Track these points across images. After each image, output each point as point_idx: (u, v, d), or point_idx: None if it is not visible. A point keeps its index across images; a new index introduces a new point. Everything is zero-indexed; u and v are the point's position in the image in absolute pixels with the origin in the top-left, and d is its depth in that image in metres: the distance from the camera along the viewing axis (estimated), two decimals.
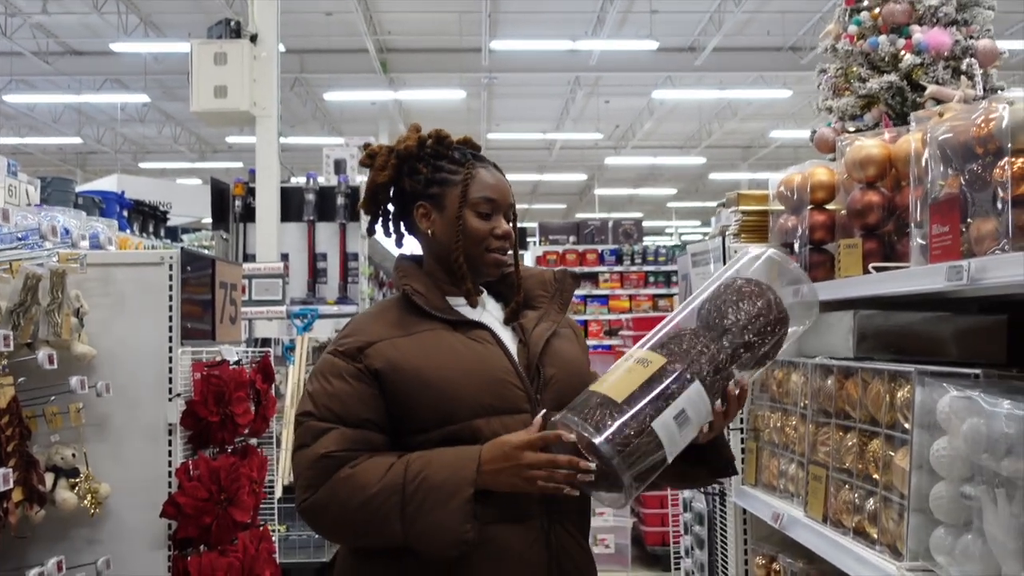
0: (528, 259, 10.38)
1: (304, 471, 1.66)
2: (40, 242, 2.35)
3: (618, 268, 10.01)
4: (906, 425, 1.71)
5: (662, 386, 1.58)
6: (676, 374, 1.60)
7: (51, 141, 19.62)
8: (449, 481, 1.58)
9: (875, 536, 1.80)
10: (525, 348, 1.78)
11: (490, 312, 1.84)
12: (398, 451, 1.68)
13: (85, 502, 2.41)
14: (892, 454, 1.76)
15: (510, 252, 1.84)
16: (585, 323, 9.79)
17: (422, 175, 1.80)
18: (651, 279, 10.00)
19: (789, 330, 1.76)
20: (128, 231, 6.62)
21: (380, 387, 1.69)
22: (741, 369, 1.71)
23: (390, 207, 1.89)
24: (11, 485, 1.99)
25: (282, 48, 8.33)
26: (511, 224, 1.84)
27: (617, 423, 1.53)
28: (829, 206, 2.36)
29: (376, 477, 1.61)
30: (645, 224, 11.92)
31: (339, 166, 8.51)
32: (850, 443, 1.95)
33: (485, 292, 1.87)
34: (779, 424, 2.39)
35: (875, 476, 1.83)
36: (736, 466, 1.90)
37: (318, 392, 1.71)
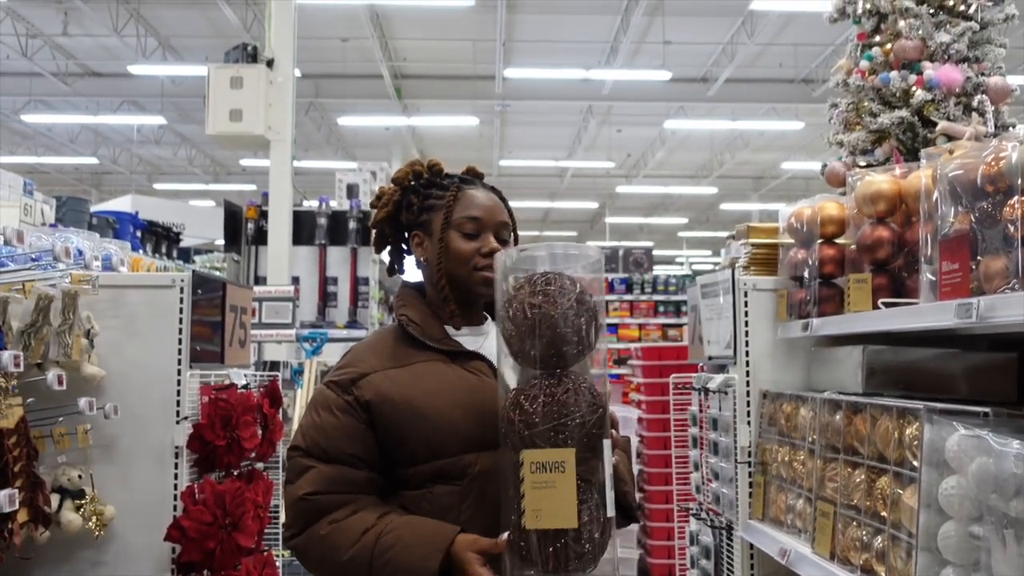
0: None
1: (288, 509, 1.70)
2: (53, 263, 2.37)
3: (628, 297, 10.01)
4: (914, 463, 1.70)
5: (592, 477, 1.52)
6: (590, 455, 1.53)
7: (67, 161, 19.81)
8: (413, 566, 1.57)
9: (883, 575, 1.79)
10: None
11: (493, 340, 1.80)
12: (391, 483, 1.70)
13: (90, 524, 2.40)
14: (900, 492, 1.74)
15: None
16: None
17: (415, 205, 1.83)
18: (661, 308, 9.99)
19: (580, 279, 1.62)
20: (141, 251, 6.67)
21: (371, 419, 1.69)
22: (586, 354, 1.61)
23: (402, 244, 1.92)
24: (16, 506, 1.99)
25: (298, 73, 8.42)
26: (510, 243, 1.83)
27: (590, 547, 1.50)
28: (839, 240, 2.36)
29: (349, 541, 1.61)
30: (655, 253, 11.93)
31: (351, 191, 8.56)
32: (858, 479, 1.93)
33: (490, 319, 1.86)
34: (787, 458, 2.37)
35: (883, 513, 1.81)
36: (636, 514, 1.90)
37: (306, 425, 1.73)
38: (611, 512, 1.53)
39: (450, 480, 1.67)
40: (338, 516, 1.64)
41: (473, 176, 1.88)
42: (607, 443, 1.55)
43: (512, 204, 1.89)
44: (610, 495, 1.54)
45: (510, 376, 1.62)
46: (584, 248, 1.65)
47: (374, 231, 1.91)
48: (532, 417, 1.51)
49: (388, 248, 1.93)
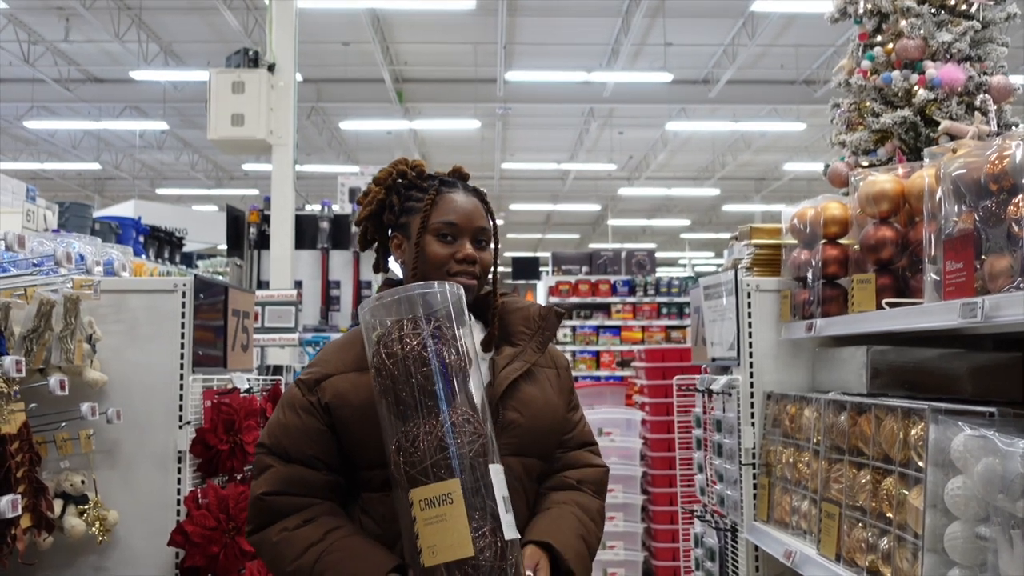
0: (540, 289, 10.39)
1: (248, 505, 1.73)
2: (55, 268, 2.36)
3: (631, 299, 9.99)
4: (920, 463, 1.69)
5: (483, 504, 1.52)
6: (478, 483, 1.53)
7: (70, 167, 19.84)
8: None
9: None
10: (491, 388, 1.73)
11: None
12: (353, 484, 1.72)
13: (93, 529, 2.40)
14: (906, 492, 1.74)
15: (481, 278, 1.79)
16: (597, 354, 9.76)
17: (396, 206, 1.83)
18: (664, 310, 9.97)
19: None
20: (144, 256, 6.68)
21: (331, 421, 1.70)
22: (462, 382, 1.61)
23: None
24: (20, 511, 1.98)
25: (299, 77, 8.42)
26: (489, 248, 1.82)
27: (492, 571, 1.50)
28: (842, 240, 2.35)
29: (293, 554, 1.63)
30: (658, 255, 11.94)
31: (354, 194, 8.56)
32: (863, 480, 1.92)
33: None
34: (791, 460, 2.37)
35: (889, 514, 1.81)
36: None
37: (272, 423, 1.75)
38: (510, 535, 1.52)
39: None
40: (289, 524, 1.66)
41: (458, 177, 1.87)
42: (495, 468, 1.55)
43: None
44: (507, 518, 1.53)
45: (391, 423, 1.59)
46: (441, 284, 1.65)
47: (358, 229, 1.91)
48: (413, 456, 1.52)
49: (374, 246, 1.93)
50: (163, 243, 7.36)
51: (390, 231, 1.86)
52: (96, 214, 7.27)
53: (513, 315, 1.84)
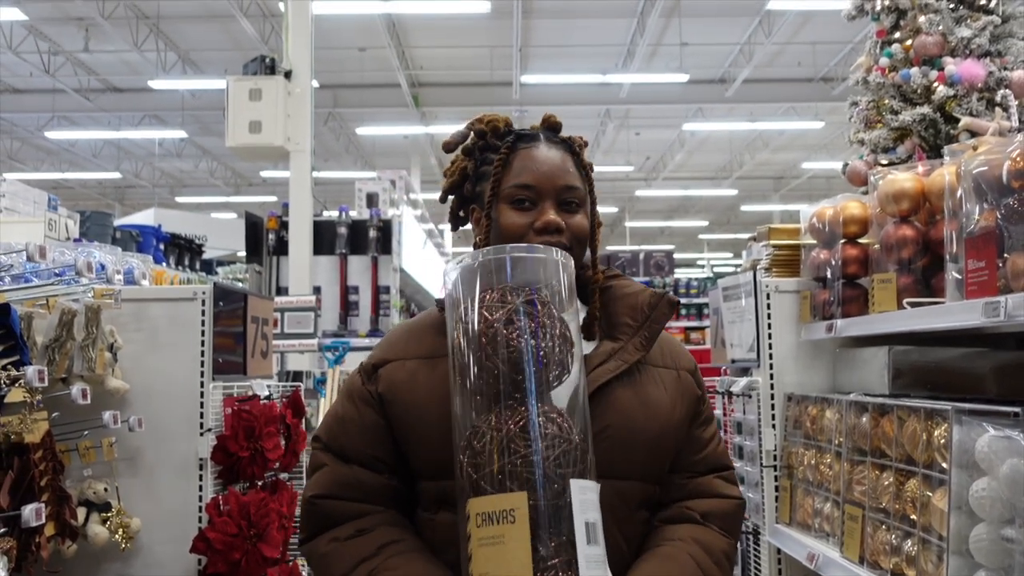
0: None
1: (300, 508, 1.52)
2: (76, 278, 2.38)
3: None
4: (944, 465, 1.67)
5: (558, 529, 1.22)
6: (554, 501, 1.23)
7: (91, 176, 20.04)
8: None
9: None
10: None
11: None
12: (405, 497, 1.48)
13: (116, 536, 2.41)
14: (930, 494, 1.72)
15: (572, 248, 1.47)
16: None
17: (471, 174, 1.56)
18: (683, 311, 9.94)
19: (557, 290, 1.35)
20: (164, 264, 6.73)
21: (386, 415, 1.46)
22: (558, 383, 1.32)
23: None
24: (44, 520, 2.00)
25: (316, 84, 8.47)
26: (583, 211, 1.49)
27: None
28: (862, 240, 2.33)
29: (342, 569, 1.40)
30: (677, 256, 11.88)
31: (371, 199, 8.60)
32: (886, 482, 1.90)
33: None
34: (813, 462, 2.35)
35: (913, 517, 1.79)
36: None
37: (330, 414, 1.54)
38: (588, 573, 1.20)
39: (454, 507, 1.35)
40: (341, 533, 1.42)
41: (546, 129, 1.56)
42: (579, 484, 1.24)
43: (595, 195, 1.53)
44: (588, 551, 1.21)
45: (463, 414, 1.31)
46: (548, 251, 1.36)
47: (448, 206, 1.64)
48: (479, 458, 1.24)
49: (467, 225, 1.64)
50: (183, 250, 7.42)
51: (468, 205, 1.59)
52: (117, 223, 7.34)
53: (620, 301, 1.52)
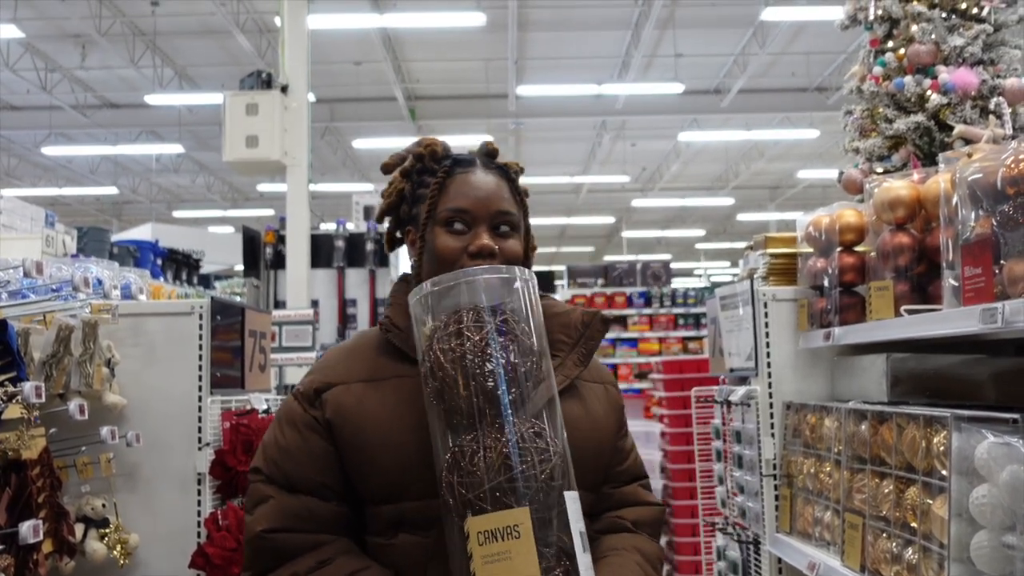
0: None
1: (245, 543, 1.45)
2: (73, 293, 2.38)
3: (647, 311, 9.98)
4: (943, 472, 1.67)
5: (555, 539, 1.26)
6: (550, 513, 1.26)
7: (88, 192, 20.04)
8: None
9: None
10: None
11: None
12: (361, 522, 1.46)
13: (115, 552, 2.41)
14: (930, 502, 1.72)
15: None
16: (615, 366, 9.74)
17: (408, 197, 1.57)
18: (681, 321, 9.95)
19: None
20: (162, 279, 6.73)
21: (334, 440, 1.43)
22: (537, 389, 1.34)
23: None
24: (41, 536, 1.99)
25: (312, 98, 8.48)
26: (515, 235, 1.52)
27: None
28: (858, 248, 2.34)
29: None
30: (673, 266, 11.90)
31: (368, 212, 8.61)
32: (886, 490, 1.90)
33: None
34: (813, 470, 2.35)
35: (913, 524, 1.78)
36: None
37: (269, 444, 1.48)
38: None
39: (416, 530, 1.38)
40: (300, 567, 1.38)
41: (482, 154, 1.57)
42: (570, 496, 1.28)
43: (529, 221, 1.55)
44: (584, 558, 1.26)
45: (445, 434, 1.32)
46: (510, 269, 1.39)
47: (384, 228, 1.65)
48: (472, 476, 1.25)
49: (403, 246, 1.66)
50: (181, 265, 7.42)
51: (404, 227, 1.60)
52: (114, 238, 7.35)
53: (551, 321, 1.53)
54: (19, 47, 12.51)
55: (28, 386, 1.96)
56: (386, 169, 1.62)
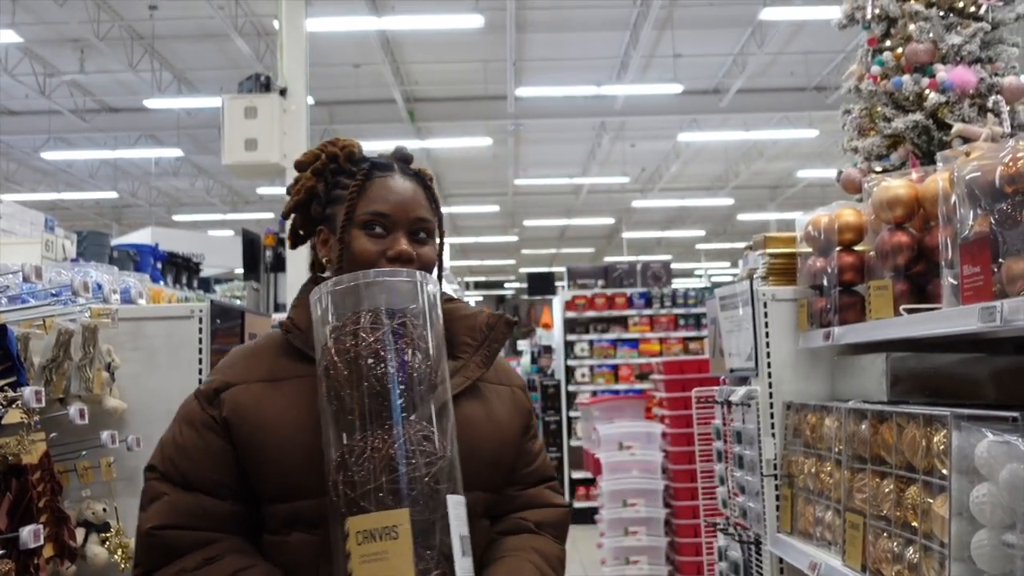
0: (556, 304, 10.35)
1: (136, 540, 1.47)
2: (73, 298, 2.38)
3: (647, 311, 9.95)
4: (944, 471, 1.67)
5: (436, 543, 1.27)
6: (432, 516, 1.28)
7: (88, 196, 20.03)
8: None
9: None
10: None
11: None
12: (250, 521, 1.47)
13: (116, 557, 2.40)
14: (930, 501, 1.72)
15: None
16: (615, 367, 9.73)
17: (322, 195, 1.58)
18: (681, 322, 9.93)
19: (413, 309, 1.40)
20: (162, 283, 6.72)
21: (232, 440, 1.45)
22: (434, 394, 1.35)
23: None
24: (42, 541, 1.99)
25: (311, 100, 8.48)
26: (431, 243, 1.55)
27: None
28: (857, 247, 2.34)
29: None
30: (674, 266, 11.87)
31: None
32: (887, 489, 1.90)
33: None
34: (813, 470, 2.34)
35: (914, 524, 1.78)
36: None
37: (167, 442, 1.50)
38: None
39: (310, 528, 1.40)
40: (188, 564, 1.39)
41: (398, 159, 1.60)
42: (454, 499, 1.30)
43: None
44: (463, 562, 1.27)
45: (336, 434, 1.34)
46: (411, 273, 1.42)
47: (288, 223, 1.66)
48: (357, 476, 1.27)
49: (308, 243, 1.67)
50: (181, 269, 7.41)
51: (316, 227, 1.61)
52: (114, 242, 7.34)
53: (457, 323, 1.59)
54: (17, 52, 12.51)
55: (28, 391, 1.96)
56: (299, 166, 1.62)
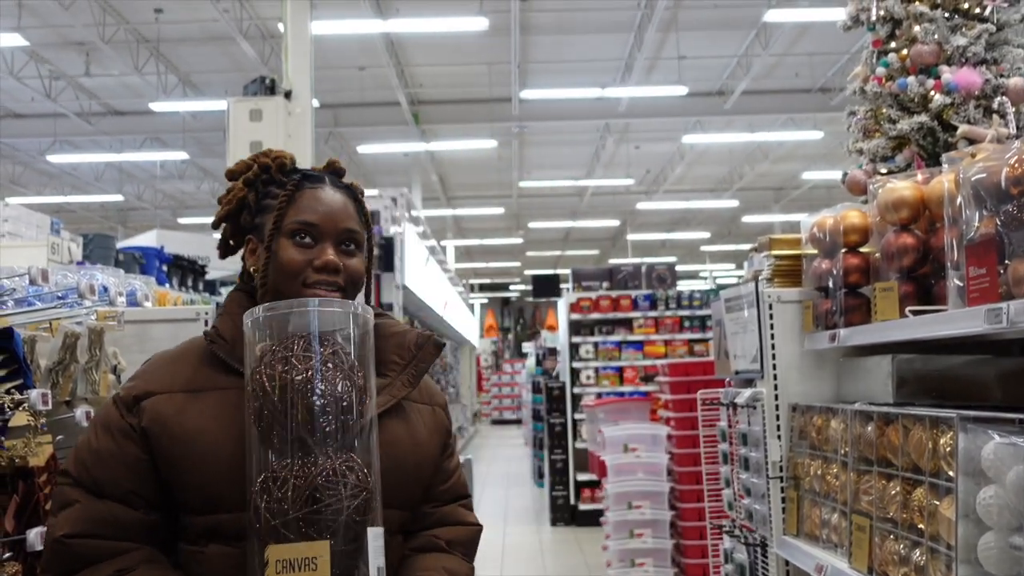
0: (561, 306, 10.34)
1: (44, 547, 1.45)
2: (79, 301, 2.39)
3: (652, 313, 9.94)
4: (950, 473, 1.67)
5: (354, 573, 1.29)
6: (351, 547, 1.30)
7: (93, 199, 20.09)
8: None
9: None
10: None
11: None
12: (174, 530, 1.46)
13: None
14: (937, 503, 1.71)
15: (346, 290, 1.53)
16: (620, 369, 9.72)
17: (252, 205, 1.58)
18: (686, 324, 9.92)
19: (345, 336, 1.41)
20: (167, 285, 6.74)
21: (150, 449, 1.43)
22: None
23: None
24: None
25: (316, 103, 8.49)
26: (359, 255, 1.55)
27: None
28: (863, 249, 2.34)
29: None
30: (679, 268, 11.87)
31: (373, 217, 8.59)
32: (893, 492, 1.90)
33: None
34: (819, 472, 2.34)
35: (921, 526, 1.78)
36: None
37: (82, 448, 1.47)
38: None
39: (228, 541, 1.39)
40: (99, 574, 1.37)
41: (331, 172, 1.61)
42: (373, 532, 1.32)
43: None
44: None
45: (260, 457, 1.34)
46: (344, 303, 1.43)
47: (218, 233, 1.66)
48: (280, 504, 1.27)
49: (239, 253, 1.67)
50: (186, 271, 7.43)
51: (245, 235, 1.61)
52: (120, 245, 7.36)
53: (387, 340, 1.58)
54: (23, 55, 12.55)
55: (35, 393, 1.97)
56: (230, 175, 1.63)
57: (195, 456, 1.40)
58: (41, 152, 16.45)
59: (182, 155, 16.52)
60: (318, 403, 1.31)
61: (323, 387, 1.32)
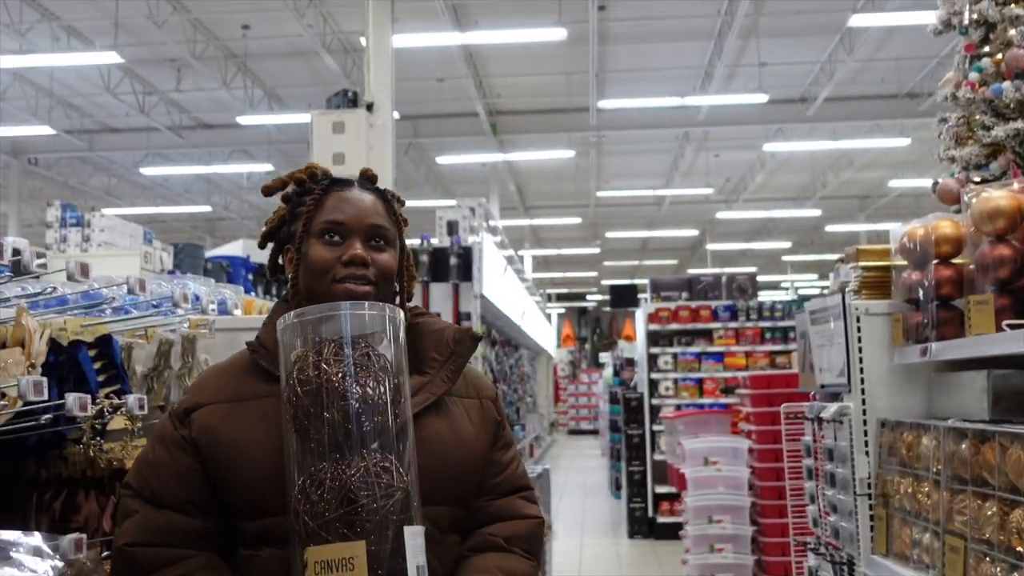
0: (639, 316, 10.25)
1: (112, 556, 1.50)
2: (173, 309, 2.47)
3: (733, 324, 9.78)
4: None
5: (393, 573, 1.29)
6: (389, 547, 1.30)
7: (183, 210, 20.78)
8: None
9: None
10: None
11: None
12: (222, 538, 1.49)
13: None
14: None
15: (378, 284, 1.53)
16: (700, 381, 9.58)
17: (287, 217, 1.63)
18: (767, 335, 9.72)
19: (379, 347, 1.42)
20: (253, 293, 6.92)
21: (201, 459, 1.48)
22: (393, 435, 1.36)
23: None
24: None
25: (396, 115, 8.63)
26: (390, 251, 1.56)
27: None
28: (956, 260, 2.26)
29: None
30: (759, 278, 11.65)
31: (452, 227, 8.69)
32: (989, 512, 1.83)
33: None
34: (910, 490, 2.27)
35: (1019, 548, 1.71)
36: None
37: (141, 460, 1.53)
38: None
39: (279, 544, 1.40)
40: None
41: (363, 178, 1.63)
42: (412, 530, 1.32)
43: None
44: None
45: (298, 462, 1.36)
46: (380, 306, 1.43)
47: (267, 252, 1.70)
48: (317, 506, 1.29)
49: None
50: (270, 280, 7.61)
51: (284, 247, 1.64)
52: (208, 254, 7.59)
53: (426, 338, 1.60)
54: (119, 72, 13.09)
55: (132, 398, 2.04)
56: (266, 191, 1.67)
57: (239, 463, 1.45)
58: (135, 165, 17.11)
59: (267, 167, 16.97)
60: (351, 406, 1.33)
61: (355, 389, 1.34)
